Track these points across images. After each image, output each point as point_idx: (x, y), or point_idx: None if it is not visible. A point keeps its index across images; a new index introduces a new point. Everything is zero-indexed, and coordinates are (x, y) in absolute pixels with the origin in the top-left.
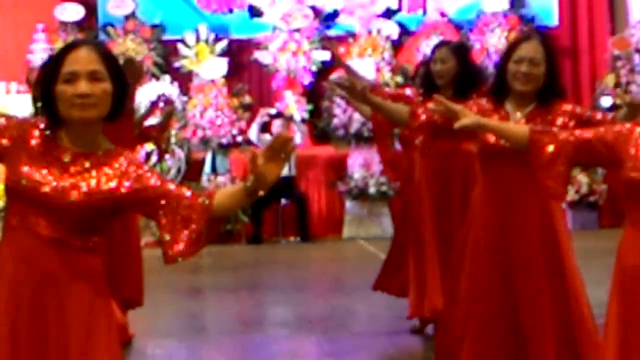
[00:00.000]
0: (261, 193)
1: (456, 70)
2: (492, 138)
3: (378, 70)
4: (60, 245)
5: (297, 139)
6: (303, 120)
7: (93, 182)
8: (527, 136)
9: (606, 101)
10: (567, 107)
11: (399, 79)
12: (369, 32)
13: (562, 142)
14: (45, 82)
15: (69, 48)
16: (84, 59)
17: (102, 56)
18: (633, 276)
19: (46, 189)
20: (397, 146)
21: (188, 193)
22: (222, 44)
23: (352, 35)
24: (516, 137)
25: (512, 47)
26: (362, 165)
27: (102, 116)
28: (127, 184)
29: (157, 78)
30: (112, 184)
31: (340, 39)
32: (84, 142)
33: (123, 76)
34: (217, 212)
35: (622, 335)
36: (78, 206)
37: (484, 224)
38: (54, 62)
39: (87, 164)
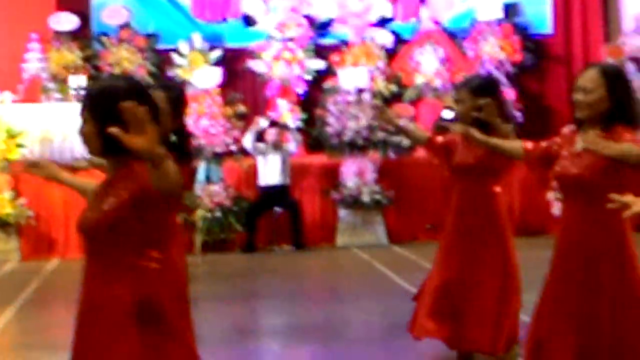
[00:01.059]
0: None
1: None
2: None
3: (372, 78)
4: None
5: (291, 147)
6: (297, 129)
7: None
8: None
9: None
10: (627, 135)
11: (393, 87)
12: (363, 41)
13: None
14: None
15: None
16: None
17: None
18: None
19: None
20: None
21: None
22: (216, 53)
23: (346, 43)
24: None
25: (577, 77)
26: (356, 173)
27: (96, 153)
28: None
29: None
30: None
31: (334, 48)
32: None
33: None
34: None
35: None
36: None
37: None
38: None
39: None
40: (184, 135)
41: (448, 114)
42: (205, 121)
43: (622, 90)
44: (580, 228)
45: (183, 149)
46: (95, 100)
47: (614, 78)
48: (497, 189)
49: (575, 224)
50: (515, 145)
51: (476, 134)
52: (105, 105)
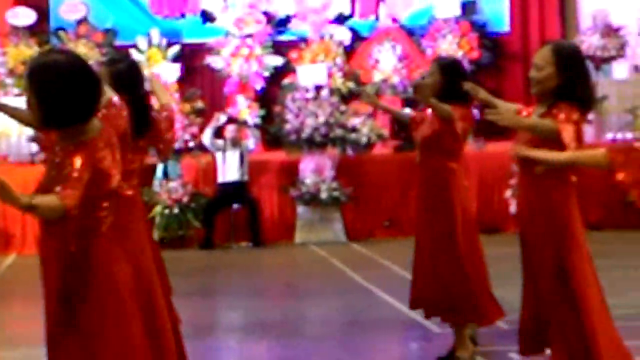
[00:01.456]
0: None
1: None
2: None
3: (330, 75)
4: None
5: (250, 144)
6: (255, 125)
7: None
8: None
9: None
10: (562, 114)
11: (351, 84)
12: (322, 38)
13: None
14: None
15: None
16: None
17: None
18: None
19: None
20: None
21: None
22: (175, 49)
23: (305, 40)
24: None
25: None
26: (314, 170)
27: (35, 123)
28: None
29: None
30: None
31: (292, 44)
32: None
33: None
34: None
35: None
36: None
37: None
38: None
39: None
40: (142, 106)
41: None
42: None
43: (572, 69)
44: (524, 198)
45: (142, 121)
46: (33, 73)
47: (565, 56)
48: (453, 165)
49: (521, 196)
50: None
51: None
52: (43, 78)
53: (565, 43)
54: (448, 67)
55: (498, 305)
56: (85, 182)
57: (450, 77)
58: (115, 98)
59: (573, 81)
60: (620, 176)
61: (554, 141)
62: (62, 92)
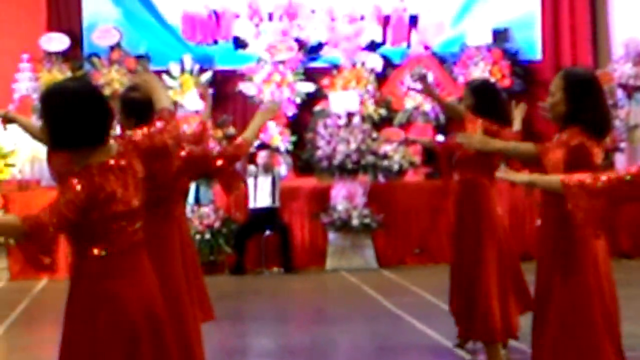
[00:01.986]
0: None
1: None
2: None
3: (362, 102)
4: None
5: (282, 170)
6: (287, 152)
7: None
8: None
9: None
10: (564, 136)
11: (383, 111)
12: (353, 65)
13: None
14: None
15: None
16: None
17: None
18: None
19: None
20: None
21: None
22: (207, 75)
23: (337, 67)
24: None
25: None
26: (345, 197)
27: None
28: None
29: None
30: None
31: (324, 71)
32: None
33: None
34: None
35: None
36: None
37: None
38: None
39: None
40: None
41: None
42: None
43: (581, 94)
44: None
45: None
46: (44, 97)
47: (574, 81)
48: (486, 181)
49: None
50: None
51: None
52: (51, 101)
53: (577, 69)
54: (480, 89)
55: (510, 325)
56: (79, 204)
57: (483, 98)
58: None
59: (581, 106)
60: (569, 206)
61: (536, 164)
62: (67, 115)
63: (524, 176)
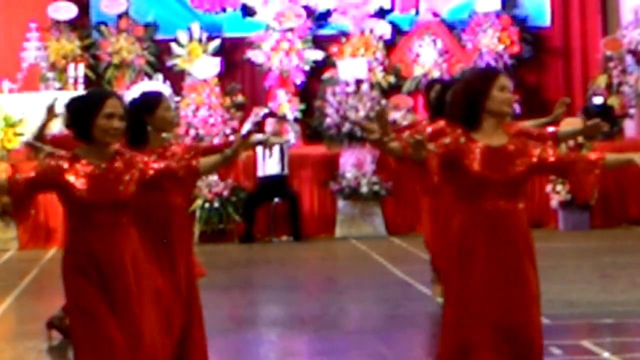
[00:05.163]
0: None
1: None
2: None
3: (370, 69)
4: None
5: (290, 138)
6: (295, 120)
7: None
8: None
9: (598, 101)
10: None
11: (392, 78)
12: (362, 32)
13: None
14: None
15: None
16: (118, 105)
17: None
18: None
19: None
20: None
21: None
22: (215, 43)
23: (345, 34)
24: None
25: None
26: (354, 164)
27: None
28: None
29: (150, 77)
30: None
31: (333, 39)
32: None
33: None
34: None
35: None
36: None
37: None
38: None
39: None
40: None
41: None
42: (203, 111)
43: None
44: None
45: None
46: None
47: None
48: None
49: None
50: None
51: None
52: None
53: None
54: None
55: None
56: (40, 171)
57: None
58: None
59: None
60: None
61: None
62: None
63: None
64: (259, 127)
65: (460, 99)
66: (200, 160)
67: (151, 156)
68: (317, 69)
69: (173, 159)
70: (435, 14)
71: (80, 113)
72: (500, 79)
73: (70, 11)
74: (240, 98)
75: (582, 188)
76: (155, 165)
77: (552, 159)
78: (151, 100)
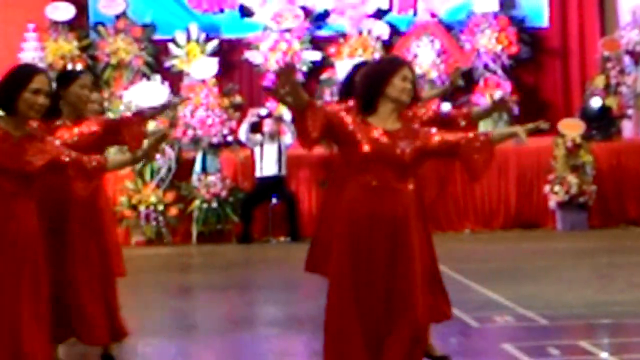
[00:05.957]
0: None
1: None
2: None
3: None
4: None
5: (288, 139)
6: (293, 120)
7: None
8: None
9: (596, 102)
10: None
11: None
12: (360, 33)
13: None
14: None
15: (36, 71)
16: (45, 82)
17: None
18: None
19: None
20: None
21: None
22: (213, 44)
23: (343, 35)
24: None
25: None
26: None
27: None
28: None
29: (148, 78)
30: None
31: (330, 39)
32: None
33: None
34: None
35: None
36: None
37: None
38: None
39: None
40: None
41: None
42: (201, 112)
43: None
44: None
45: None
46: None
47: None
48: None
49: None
50: None
51: None
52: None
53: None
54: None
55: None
56: None
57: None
58: None
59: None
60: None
61: None
62: None
63: None
64: (256, 127)
65: (365, 80)
66: (109, 159)
67: (63, 131)
68: (315, 70)
69: (81, 138)
70: (433, 15)
71: (9, 85)
72: (405, 69)
73: (68, 12)
74: (238, 99)
75: (471, 167)
76: (67, 153)
77: (435, 141)
78: (68, 74)
